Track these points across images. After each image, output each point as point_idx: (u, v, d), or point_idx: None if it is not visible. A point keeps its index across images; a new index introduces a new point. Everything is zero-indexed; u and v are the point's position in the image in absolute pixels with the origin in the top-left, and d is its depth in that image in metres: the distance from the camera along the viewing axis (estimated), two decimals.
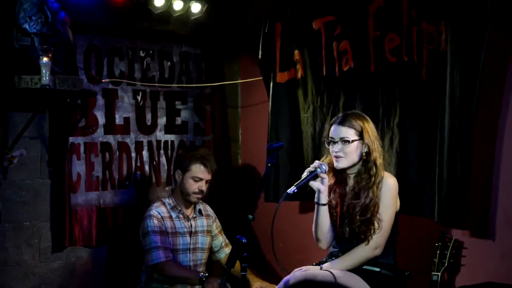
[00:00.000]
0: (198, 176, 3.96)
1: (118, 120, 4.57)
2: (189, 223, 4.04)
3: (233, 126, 5.13)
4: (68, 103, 4.25)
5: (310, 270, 3.21)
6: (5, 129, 4.05)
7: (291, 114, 4.29)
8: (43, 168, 4.26)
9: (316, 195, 3.27)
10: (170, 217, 3.99)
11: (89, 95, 4.28)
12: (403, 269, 3.35)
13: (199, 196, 4.00)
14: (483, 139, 3.29)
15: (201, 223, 4.11)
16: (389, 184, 3.19)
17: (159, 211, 3.96)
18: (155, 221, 3.92)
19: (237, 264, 3.02)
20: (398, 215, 3.28)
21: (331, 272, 3.07)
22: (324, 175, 3.22)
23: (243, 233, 2.94)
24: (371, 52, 3.73)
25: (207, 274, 3.78)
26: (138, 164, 4.66)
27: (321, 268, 3.18)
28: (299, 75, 4.23)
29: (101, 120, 4.49)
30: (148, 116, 4.71)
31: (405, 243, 3.47)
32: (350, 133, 3.17)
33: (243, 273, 2.99)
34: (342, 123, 3.19)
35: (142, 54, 4.68)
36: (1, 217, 4.10)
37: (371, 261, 3.19)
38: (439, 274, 3.25)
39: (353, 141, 3.16)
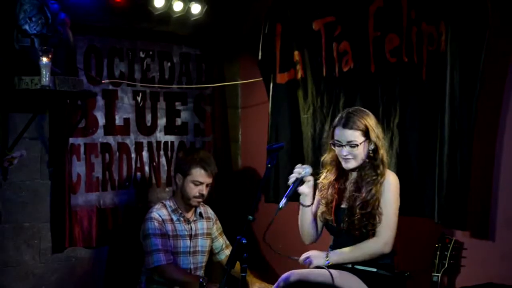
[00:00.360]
0: (199, 180, 3.95)
1: (118, 121, 4.57)
2: (189, 226, 4.04)
3: (233, 126, 5.13)
4: (68, 104, 4.25)
5: (307, 270, 3.21)
6: (5, 129, 4.05)
7: (291, 115, 4.29)
8: (43, 169, 4.26)
9: (301, 197, 3.30)
10: (171, 219, 3.99)
11: (89, 96, 4.28)
12: (403, 269, 3.34)
13: (200, 200, 4.00)
14: (483, 140, 3.29)
15: (201, 226, 4.10)
16: (391, 181, 3.18)
17: (160, 214, 3.96)
18: (156, 224, 3.91)
19: (237, 265, 3.02)
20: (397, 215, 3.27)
21: (329, 272, 3.07)
22: (310, 177, 3.24)
23: (243, 234, 2.94)
24: (371, 53, 3.73)
25: (207, 279, 3.78)
26: (138, 165, 4.66)
27: (327, 256, 3.16)
28: (299, 75, 4.23)
29: (101, 121, 4.49)
30: (148, 117, 4.72)
31: (405, 244, 3.47)
32: (356, 136, 3.15)
33: (243, 274, 2.99)
34: (346, 125, 3.15)
35: (142, 55, 4.68)
36: (1, 218, 4.10)
37: (368, 261, 3.18)
38: (439, 275, 3.25)
39: (361, 143, 3.16)
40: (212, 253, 4.20)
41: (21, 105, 4.09)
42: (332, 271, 3.09)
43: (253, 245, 4.73)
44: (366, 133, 3.15)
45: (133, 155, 4.63)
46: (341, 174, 3.29)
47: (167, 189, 4.75)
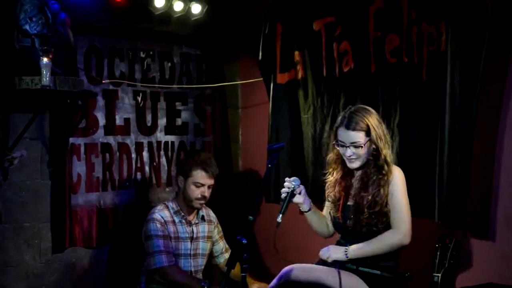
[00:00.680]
0: (200, 182, 3.94)
1: (119, 121, 4.58)
2: (191, 228, 4.03)
3: (233, 127, 5.13)
4: (69, 104, 4.25)
5: (310, 266, 3.21)
6: (6, 130, 4.06)
7: (292, 115, 4.29)
8: (43, 169, 4.26)
9: (300, 206, 3.36)
10: (173, 221, 3.98)
11: (89, 96, 4.28)
12: (404, 270, 3.34)
13: (202, 201, 3.99)
14: (484, 140, 3.29)
15: (202, 229, 4.10)
16: (397, 176, 3.18)
17: (162, 215, 3.95)
18: (158, 225, 3.91)
19: (237, 266, 3.02)
20: None
21: (338, 272, 3.07)
22: (300, 188, 3.28)
23: (243, 234, 2.94)
24: (371, 53, 3.73)
25: (209, 282, 3.78)
26: (139, 165, 4.66)
27: (346, 251, 3.16)
28: (299, 76, 4.23)
29: (102, 121, 4.49)
30: (149, 117, 4.72)
31: None
32: (359, 137, 3.14)
33: (243, 274, 2.98)
34: (349, 126, 3.15)
35: (142, 55, 4.68)
36: (2, 218, 4.10)
37: (372, 263, 3.18)
38: (440, 275, 3.25)
39: (365, 144, 3.15)
40: (211, 256, 4.20)
41: (21, 105, 4.09)
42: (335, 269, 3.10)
43: (252, 245, 4.74)
44: (368, 132, 3.16)
45: (133, 155, 4.63)
46: (347, 171, 3.30)
47: (167, 189, 4.75)
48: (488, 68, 3.11)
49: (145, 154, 4.69)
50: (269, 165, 3.16)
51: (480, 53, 3.08)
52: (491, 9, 3.06)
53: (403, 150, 3.57)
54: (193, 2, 4.54)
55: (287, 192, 3.23)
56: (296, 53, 4.23)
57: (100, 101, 4.48)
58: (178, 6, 4.50)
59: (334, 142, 3.25)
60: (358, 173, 3.27)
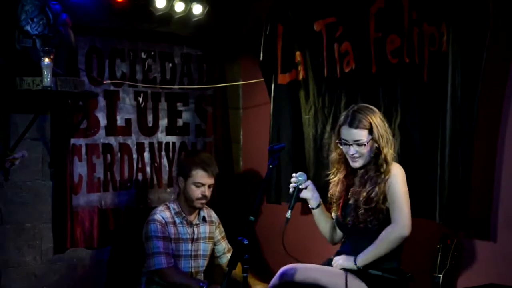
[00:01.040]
0: (200, 182, 3.94)
1: (120, 121, 4.58)
2: (191, 229, 4.03)
3: (234, 127, 5.13)
4: (70, 105, 4.25)
5: (310, 266, 3.21)
6: (7, 130, 4.06)
7: (293, 116, 4.29)
8: (44, 169, 4.26)
9: (308, 202, 3.38)
10: (174, 222, 3.98)
11: (90, 97, 4.28)
12: (405, 270, 3.34)
13: (203, 201, 3.99)
14: (485, 141, 3.29)
15: (203, 229, 4.10)
16: (396, 173, 3.17)
17: (163, 216, 3.95)
18: (159, 226, 3.90)
19: (238, 266, 3.02)
20: None
21: (345, 273, 3.07)
22: (307, 183, 3.32)
23: (244, 235, 2.94)
24: (372, 54, 3.73)
25: (207, 282, 3.78)
26: (140, 165, 4.66)
27: (355, 259, 3.15)
28: (300, 76, 4.23)
29: (103, 121, 4.49)
30: (150, 118, 4.72)
31: (407, 245, 3.46)
32: (363, 135, 3.15)
33: (245, 275, 2.98)
34: (352, 124, 3.16)
35: (143, 55, 4.68)
36: (3, 218, 4.10)
37: (374, 265, 3.18)
38: (441, 275, 3.25)
39: (368, 142, 3.16)
40: (213, 256, 4.20)
41: (22, 105, 4.10)
42: (338, 270, 3.10)
43: (254, 246, 4.74)
44: (371, 131, 3.16)
45: (134, 156, 4.63)
46: (350, 171, 3.30)
47: (168, 190, 4.75)
48: (489, 68, 3.11)
49: (146, 154, 4.69)
50: (270, 166, 3.16)
51: (481, 54, 3.08)
52: (492, 9, 3.05)
53: (404, 150, 3.57)
54: (194, 3, 4.54)
55: (294, 188, 3.28)
56: (297, 53, 4.23)
57: (101, 102, 4.49)
58: (179, 7, 4.51)
59: (337, 141, 3.25)
60: (360, 172, 3.27)
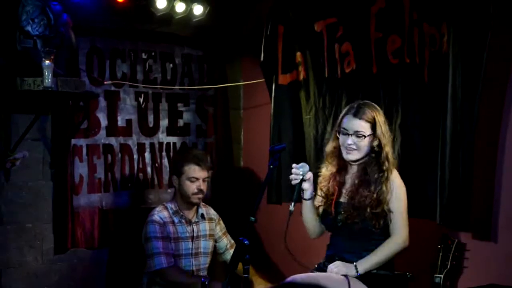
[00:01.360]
0: (194, 176, 3.93)
1: (120, 122, 4.58)
2: (191, 227, 4.02)
3: (235, 128, 5.13)
4: (71, 105, 4.26)
5: (313, 275, 3.20)
6: (8, 131, 4.06)
7: (293, 116, 4.29)
8: (45, 170, 4.26)
9: (303, 192, 3.27)
10: (172, 222, 3.97)
11: (91, 97, 4.28)
12: (405, 271, 3.34)
13: (200, 195, 3.98)
14: (485, 141, 3.29)
15: (203, 227, 4.09)
16: (396, 178, 3.17)
17: (161, 216, 3.94)
18: (157, 227, 3.90)
19: (240, 265, 3.01)
20: None
21: (348, 280, 3.06)
22: (309, 174, 3.21)
23: (245, 235, 2.94)
24: (373, 54, 3.73)
25: (209, 278, 3.77)
26: (140, 166, 4.66)
27: (356, 267, 3.12)
28: (301, 77, 4.23)
29: (104, 122, 4.50)
30: (150, 118, 4.72)
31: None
32: (365, 127, 3.13)
33: (245, 275, 2.98)
34: (357, 115, 3.14)
35: (144, 56, 4.68)
36: (4, 219, 4.11)
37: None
38: (442, 276, 3.25)
39: (368, 135, 3.14)
40: (216, 253, 4.19)
41: (23, 106, 4.10)
42: (339, 276, 3.09)
43: (257, 245, 4.74)
44: (374, 126, 3.15)
45: (135, 156, 4.63)
46: (342, 165, 3.27)
47: (169, 190, 4.75)
48: (490, 69, 3.11)
49: (147, 155, 4.69)
50: (271, 166, 3.15)
51: (482, 54, 3.08)
52: (493, 10, 3.05)
53: (404, 151, 3.57)
54: (195, 3, 4.55)
55: (300, 179, 3.19)
56: (298, 54, 4.23)
57: (102, 102, 4.49)
58: (180, 7, 4.51)
59: (336, 129, 3.24)
60: (353, 169, 3.23)
